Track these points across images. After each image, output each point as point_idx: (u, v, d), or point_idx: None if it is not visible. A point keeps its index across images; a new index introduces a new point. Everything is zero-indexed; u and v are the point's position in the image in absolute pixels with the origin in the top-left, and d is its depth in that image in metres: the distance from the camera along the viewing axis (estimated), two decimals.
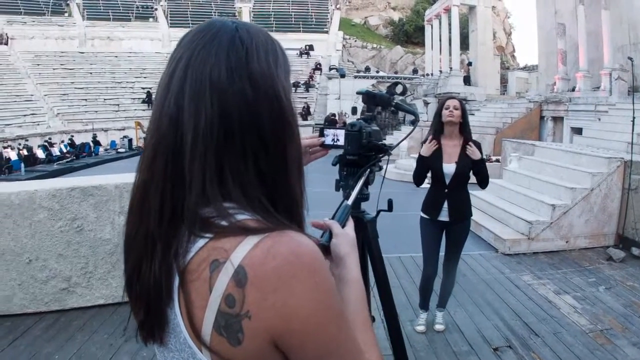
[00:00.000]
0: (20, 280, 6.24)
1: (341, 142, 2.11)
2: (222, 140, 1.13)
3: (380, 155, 2.20)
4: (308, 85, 51.06)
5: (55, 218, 6.27)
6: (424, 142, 5.91)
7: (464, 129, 5.75)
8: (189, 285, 1.06)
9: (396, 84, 2.34)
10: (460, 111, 5.66)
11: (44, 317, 6.22)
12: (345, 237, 1.58)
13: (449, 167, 5.68)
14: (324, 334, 1.05)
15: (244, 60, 1.18)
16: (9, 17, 58.21)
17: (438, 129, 5.80)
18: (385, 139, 2.29)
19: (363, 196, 2.27)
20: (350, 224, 1.70)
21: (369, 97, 2.32)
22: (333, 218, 1.71)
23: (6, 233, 6.14)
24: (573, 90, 26.87)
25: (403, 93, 2.39)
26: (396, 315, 2.48)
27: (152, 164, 1.17)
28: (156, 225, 1.14)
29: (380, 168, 2.27)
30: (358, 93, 2.36)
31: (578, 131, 21.20)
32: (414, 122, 2.48)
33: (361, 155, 2.18)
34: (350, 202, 1.90)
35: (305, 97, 48.93)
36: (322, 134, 2.10)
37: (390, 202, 2.41)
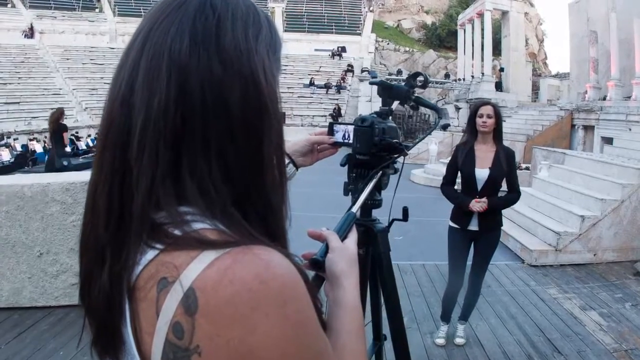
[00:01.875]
0: (31, 273, 6.18)
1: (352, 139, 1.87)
2: (179, 129, 0.92)
3: (395, 156, 1.91)
4: (340, 87, 50.87)
5: (68, 212, 6.18)
6: (458, 145, 5.78)
7: (497, 135, 5.54)
8: (137, 305, 0.87)
9: (416, 74, 2.05)
10: (494, 119, 5.43)
11: (53, 312, 6.14)
12: (344, 252, 1.35)
13: (481, 172, 5.45)
14: None
15: (213, 31, 0.96)
16: (39, 11, 59.50)
17: (472, 134, 5.59)
18: (414, 141, 2.04)
19: (374, 202, 2.02)
20: (353, 236, 1.45)
21: (384, 89, 2.03)
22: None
23: (17, 225, 6.07)
24: (604, 99, 26.65)
25: (424, 85, 2.09)
26: (405, 338, 2.22)
27: (101, 158, 0.98)
28: (104, 230, 0.95)
29: (396, 170, 1.98)
30: (371, 83, 2.10)
31: (609, 141, 20.84)
32: (445, 127, 2.22)
33: (373, 155, 1.90)
34: (355, 210, 1.65)
35: (337, 99, 48.86)
36: (331, 130, 1.89)
37: (405, 211, 2.12)
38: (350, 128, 1.89)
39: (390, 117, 2.00)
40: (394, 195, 1.94)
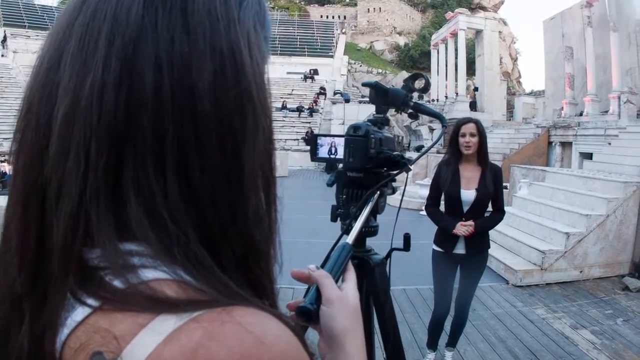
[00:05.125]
0: None
1: (340, 154, 1.57)
2: (120, 124, 0.62)
3: (395, 172, 1.62)
4: (312, 110, 50.71)
5: None
6: (440, 163, 5.53)
7: (482, 153, 5.27)
8: None
9: (416, 76, 1.76)
10: (477, 137, 5.16)
11: None
12: (343, 304, 1.03)
13: (467, 194, 5.20)
14: None
15: None
16: (12, 30, 59.72)
17: (455, 155, 5.33)
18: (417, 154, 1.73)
19: (370, 230, 1.68)
20: (352, 278, 1.14)
21: (378, 93, 1.73)
22: (324, 264, 1.16)
23: None
24: (581, 114, 26.79)
25: (425, 89, 1.80)
26: None
27: (16, 165, 0.68)
28: (17, 270, 0.65)
29: (394, 190, 1.69)
30: (365, 85, 1.79)
31: (587, 156, 20.91)
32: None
33: (368, 172, 1.59)
34: (351, 240, 1.32)
35: (309, 122, 48.67)
36: (315, 143, 1.60)
37: (407, 238, 1.81)
38: (338, 140, 1.59)
39: (386, 127, 1.71)
40: (397, 219, 1.64)
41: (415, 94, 1.76)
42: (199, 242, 0.65)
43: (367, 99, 43.60)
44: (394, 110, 1.76)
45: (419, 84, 1.77)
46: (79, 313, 0.59)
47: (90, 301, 0.59)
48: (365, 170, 1.61)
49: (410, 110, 1.80)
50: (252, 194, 0.72)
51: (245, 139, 0.70)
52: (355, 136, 1.58)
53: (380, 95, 1.74)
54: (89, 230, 0.63)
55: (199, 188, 0.66)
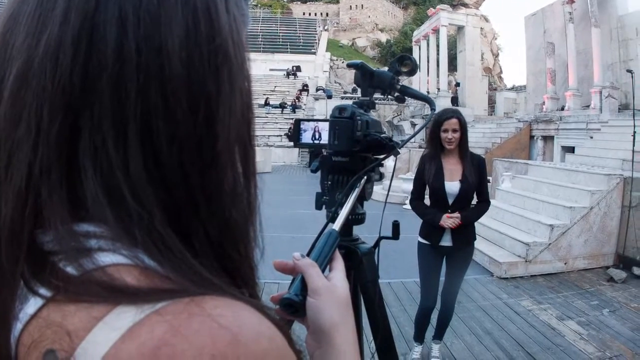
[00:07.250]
0: None
1: (325, 139, 1.49)
2: (77, 87, 0.55)
3: (382, 156, 1.53)
4: (295, 107, 50.62)
5: None
6: (423, 156, 5.47)
7: (463, 145, 5.20)
8: None
9: (402, 58, 1.69)
10: (459, 132, 5.09)
11: None
12: (331, 295, 0.94)
13: (451, 186, 5.15)
14: None
15: None
16: None
17: (437, 149, 5.26)
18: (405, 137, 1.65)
19: (356, 217, 1.59)
20: (340, 267, 1.06)
21: (364, 75, 1.65)
22: (310, 253, 1.08)
23: None
24: (562, 109, 26.99)
25: (412, 72, 1.72)
26: None
27: None
28: None
29: (382, 176, 1.60)
30: (350, 66, 1.71)
31: (569, 150, 21.03)
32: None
33: (354, 156, 1.50)
34: (337, 226, 1.25)
35: (292, 119, 48.52)
36: (298, 129, 1.53)
37: (396, 226, 1.73)
38: (323, 125, 1.52)
39: (372, 111, 1.64)
40: (385, 206, 1.58)
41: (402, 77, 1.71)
42: (166, 222, 0.58)
43: (349, 95, 43.59)
44: (380, 95, 1.69)
45: (405, 66, 1.70)
46: (32, 305, 0.53)
47: (43, 291, 0.53)
48: (351, 154, 1.52)
49: (397, 94, 1.72)
50: (228, 166, 0.65)
51: (219, 103, 0.63)
52: (341, 118, 1.50)
53: (366, 78, 1.66)
54: (39, 208, 0.56)
55: (166, 160, 0.59)
